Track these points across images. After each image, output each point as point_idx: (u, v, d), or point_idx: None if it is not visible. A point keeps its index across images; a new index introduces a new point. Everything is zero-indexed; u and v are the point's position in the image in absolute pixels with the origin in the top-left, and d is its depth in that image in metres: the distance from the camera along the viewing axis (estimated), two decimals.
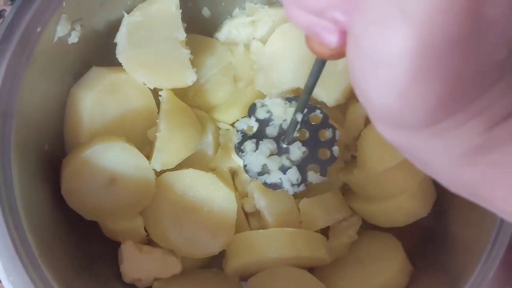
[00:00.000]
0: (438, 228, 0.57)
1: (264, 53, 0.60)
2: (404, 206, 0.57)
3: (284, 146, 0.57)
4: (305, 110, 0.54)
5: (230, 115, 0.60)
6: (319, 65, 0.42)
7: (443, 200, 0.58)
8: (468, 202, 0.29)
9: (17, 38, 0.45)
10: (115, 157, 0.51)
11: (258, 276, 0.54)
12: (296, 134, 0.56)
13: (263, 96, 0.61)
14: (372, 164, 0.56)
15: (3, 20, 0.69)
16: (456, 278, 0.48)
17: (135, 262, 0.52)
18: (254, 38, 0.63)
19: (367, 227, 0.61)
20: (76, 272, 0.49)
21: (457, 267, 0.49)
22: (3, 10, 0.70)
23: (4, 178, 0.43)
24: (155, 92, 0.57)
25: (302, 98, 0.48)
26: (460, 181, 0.28)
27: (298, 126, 0.55)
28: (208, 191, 0.54)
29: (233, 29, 0.63)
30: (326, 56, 0.34)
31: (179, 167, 0.55)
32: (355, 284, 0.56)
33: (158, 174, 0.54)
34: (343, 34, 0.27)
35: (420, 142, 0.27)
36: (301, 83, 0.59)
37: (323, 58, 0.39)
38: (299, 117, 0.52)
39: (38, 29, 0.46)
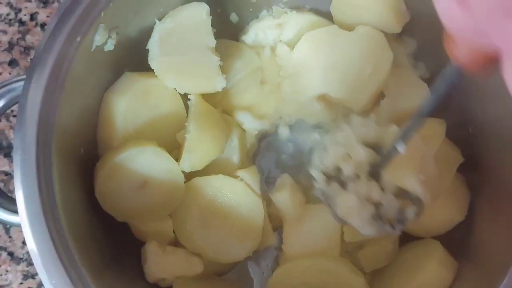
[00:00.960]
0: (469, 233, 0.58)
1: (291, 60, 0.62)
2: (438, 213, 0.56)
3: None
4: None
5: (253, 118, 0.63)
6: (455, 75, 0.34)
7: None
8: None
9: (58, 48, 0.47)
10: (147, 161, 0.53)
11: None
12: None
13: (289, 102, 0.63)
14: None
15: (35, 23, 0.72)
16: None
17: (159, 262, 0.54)
18: (280, 41, 0.64)
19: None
20: (104, 269, 0.51)
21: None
22: (35, 12, 0.73)
23: (46, 181, 0.46)
24: (185, 96, 0.59)
25: (414, 123, 0.41)
26: None
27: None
28: (237, 197, 0.56)
29: (260, 31, 0.64)
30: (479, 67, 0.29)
31: (206, 172, 0.57)
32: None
33: (188, 178, 0.56)
34: None
35: None
36: (328, 90, 0.60)
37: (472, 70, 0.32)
38: (402, 148, 0.45)
39: (78, 39, 0.48)
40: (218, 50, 0.59)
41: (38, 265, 0.42)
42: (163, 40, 0.57)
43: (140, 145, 0.53)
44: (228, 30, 0.66)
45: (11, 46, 0.71)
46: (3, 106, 0.49)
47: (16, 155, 0.45)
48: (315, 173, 0.54)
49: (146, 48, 0.57)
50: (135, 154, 0.53)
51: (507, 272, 0.46)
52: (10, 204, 0.47)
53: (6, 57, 0.71)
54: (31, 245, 0.42)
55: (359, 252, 0.59)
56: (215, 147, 0.56)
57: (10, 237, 0.65)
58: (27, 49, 0.71)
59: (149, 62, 0.57)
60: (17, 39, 0.72)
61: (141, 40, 0.58)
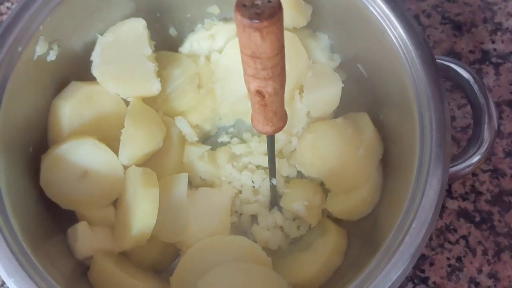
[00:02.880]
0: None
1: (220, 65, 0.69)
2: (364, 199, 0.63)
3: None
4: None
5: (193, 118, 0.70)
6: (270, 140, 0.54)
7: None
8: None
9: (1, 57, 0.54)
10: (87, 153, 0.59)
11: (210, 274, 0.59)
12: None
13: (222, 102, 0.70)
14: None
15: None
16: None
17: (88, 240, 0.59)
18: (213, 49, 0.71)
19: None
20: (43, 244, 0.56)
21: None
22: None
23: None
24: (127, 102, 0.66)
25: (270, 167, 0.60)
26: None
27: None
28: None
29: (195, 42, 0.72)
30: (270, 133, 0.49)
31: (147, 165, 0.63)
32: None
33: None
34: None
35: None
36: None
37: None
38: (274, 181, 0.64)
39: (19, 49, 0.55)
40: (159, 60, 0.66)
41: None
42: (104, 51, 0.64)
43: (81, 138, 0.60)
44: (168, 42, 0.73)
45: None
46: None
47: None
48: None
49: (90, 59, 0.65)
50: (76, 146, 0.59)
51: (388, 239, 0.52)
52: None
53: None
54: None
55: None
56: (150, 141, 0.62)
57: None
58: None
59: (92, 71, 0.64)
60: None
61: (86, 52, 0.65)
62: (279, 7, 0.38)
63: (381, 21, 0.56)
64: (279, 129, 0.50)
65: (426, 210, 0.51)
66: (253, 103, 0.48)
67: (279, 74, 0.44)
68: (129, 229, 0.57)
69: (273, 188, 0.66)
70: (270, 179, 0.64)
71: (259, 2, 0.38)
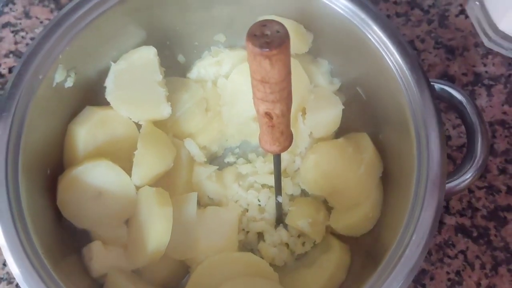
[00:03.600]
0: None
1: (226, 90, 0.73)
2: (369, 215, 0.66)
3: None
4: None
5: (201, 140, 0.73)
6: (277, 159, 0.57)
7: None
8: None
9: (24, 84, 0.58)
10: (101, 174, 0.62)
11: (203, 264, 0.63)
12: None
13: (229, 124, 0.74)
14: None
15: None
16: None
17: (102, 259, 0.61)
18: (220, 75, 0.75)
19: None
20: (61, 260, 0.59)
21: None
22: (13, 66, 0.84)
23: (15, 197, 0.54)
24: (139, 126, 0.69)
25: (276, 185, 0.64)
26: None
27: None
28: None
29: (202, 68, 0.76)
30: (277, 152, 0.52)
31: (158, 186, 0.66)
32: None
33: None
34: None
35: None
36: None
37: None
38: (280, 199, 0.67)
39: (40, 77, 0.59)
40: (168, 85, 0.70)
41: (8, 256, 0.51)
42: (117, 78, 0.68)
43: (95, 160, 0.63)
44: (176, 69, 0.77)
45: None
46: None
47: None
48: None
49: (104, 85, 0.69)
50: (91, 168, 0.62)
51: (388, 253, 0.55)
52: None
53: None
54: (2, 241, 0.51)
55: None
56: (161, 162, 0.65)
57: None
58: None
59: (106, 97, 0.67)
60: None
61: (100, 79, 0.69)
62: (287, 36, 0.42)
63: (379, 47, 0.60)
64: (285, 148, 0.54)
65: (425, 225, 0.54)
66: (261, 124, 0.51)
67: (286, 97, 0.47)
68: (144, 247, 0.60)
69: (278, 205, 0.69)
70: (276, 196, 0.67)
71: (268, 32, 0.42)
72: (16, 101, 0.57)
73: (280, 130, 0.51)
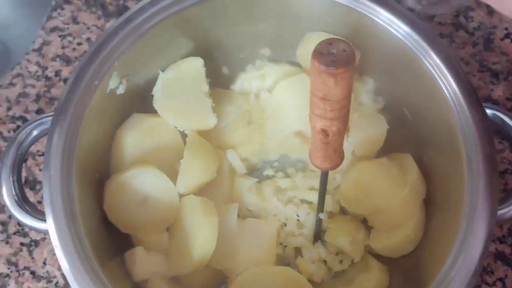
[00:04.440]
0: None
1: (271, 103, 0.73)
2: (411, 237, 0.66)
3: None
4: None
5: (243, 152, 0.74)
6: (324, 176, 0.57)
7: None
8: None
9: (80, 90, 0.59)
10: (147, 180, 0.63)
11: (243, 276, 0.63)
12: None
13: (272, 138, 0.74)
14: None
15: (59, 78, 0.85)
16: None
17: (145, 264, 0.62)
18: (263, 88, 0.76)
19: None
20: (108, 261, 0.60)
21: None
22: (59, 70, 0.86)
23: (68, 199, 0.56)
24: (184, 134, 0.70)
25: (319, 202, 0.64)
26: None
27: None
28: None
29: (245, 81, 0.76)
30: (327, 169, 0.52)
31: (200, 194, 0.66)
32: None
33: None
34: None
35: None
36: (302, 127, 0.72)
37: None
38: (322, 215, 0.67)
39: (96, 83, 0.60)
40: (213, 96, 0.71)
41: (61, 257, 0.52)
42: (165, 87, 0.69)
43: (142, 167, 0.64)
44: (220, 80, 0.78)
45: (38, 97, 0.84)
46: (36, 136, 0.60)
47: (45, 182, 0.56)
48: None
49: (152, 94, 0.70)
50: (137, 174, 0.63)
51: (435, 279, 0.54)
52: (38, 214, 0.57)
53: (34, 107, 0.83)
54: (55, 241, 0.52)
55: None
56: (206, 172, 0.66)
57: (32, 258, 0.74)
58: (51, 100, 0.84)
59: (154, 105, 0.69)
60: (44, 91, 0.85)
61: (148, 87, 0.70)
62: (353, 56, 0.42)
63: (431, 69, 0.60)
64: (336, 166, 0.54)
65: (475, 251, 0.53)
66: (315, 140, 0.51)
67: (344, 115, 0.48)
68: (189, 255, 0.60)
69: (318, 222, 0.69)
70: (318, 213, 0.67)
71: (334, 51, 0.42)
72: (72, 105, 0.58)
73: (334, 147, 0.51)
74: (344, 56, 0.42)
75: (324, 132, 0.49)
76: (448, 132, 0.60)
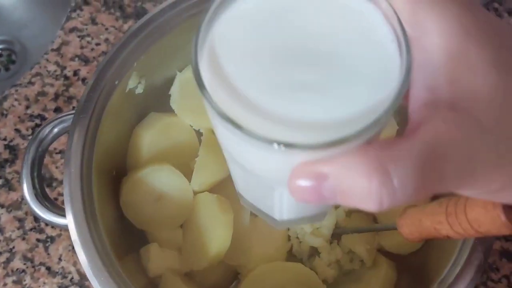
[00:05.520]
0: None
1: None
2: None
3: None
4: None
5: None
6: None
7: None
8: None
9: (101, 89, 0.61)
10: (163, 178, 0.65)
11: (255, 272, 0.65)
12: None
13: None
14: None
15: (77, 77, 0.88)
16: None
17: (159, 260, 0.64)
18: None
19: None
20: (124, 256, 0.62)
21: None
22: (78, 69, 0.89)
23: (88, 195, 0.58)
24: (200, 134, 0.72)
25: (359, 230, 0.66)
26: None
27: None
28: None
29: None
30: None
31: (212, 192, 0.68)
32: None
33: None
34: None
35: None
36: None
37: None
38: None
39: (116, 82, 0.62)
40: None
41: (80, 252, 0.54)
42: (182, 87, 0.71)
43: (159, 164, 0.66)
44: None
45: (56, 96, 0.86)
46: (56, 133, 0.62)
47: (65, 179, 0.58)
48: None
49: (169, 93, 0.72)
50: (153, 172, 0.65)
51: (440, 275, 0.56)
52: (57, 209, 0.60)
53: (53, 105, 0.86)
54: (74, 236, 0.54)
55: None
56: (220, 170, 0.67)
57: (48, 254, 0.76)
58: (69, 98, 0.86)
59: (171, 104, 0.71)
60: (62, 90, 0.87)
61: (165, 86, 0.72)
62: None
63: None
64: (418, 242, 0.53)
65: (479, 249, 0.54)
66: (424, 229, 0.48)
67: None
68: (205, 251, 0.62)
69: (344, 230, 0.71)
70: (353, 232, 0.69)
71: None
72: (93, 104, 0.60)
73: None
74: None
75: (446, 236, 0.46)
76: None
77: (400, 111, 0.25)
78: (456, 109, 0.26)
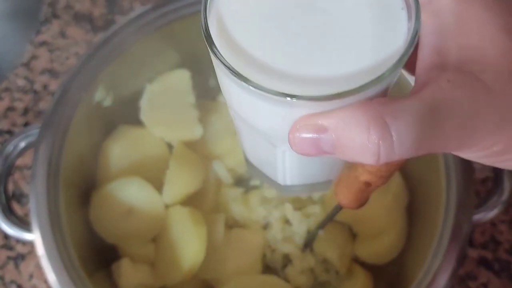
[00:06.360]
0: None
1: None
2: (394, 243, 0.68)
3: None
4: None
5: (229, 162, 0.75)
6: (339, 209, 0.55)
7: None
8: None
9: (67, 102, 0.60)
10: (133, 191, 0.64)
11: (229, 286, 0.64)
12: None
13: None
14: None
15: (47, 92, 0.86)
16: None
17: (131, 276, 0.63)
18: None
19: None
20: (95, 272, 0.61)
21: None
22: (47, 84, 0.87)
23: (55, 210, 0.57)
24: (171, 146, 0.71)
25: (322, 223, 0.63)
26: None
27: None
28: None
29: None
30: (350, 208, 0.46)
31: (187, 204, 0.67)
32: None
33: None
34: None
35: None
36: None
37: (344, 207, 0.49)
38: (321, 232, 0.67)
39: (82, 95, 0.61)
40: (199, 108, 0.72)
41: (47, 268, 0.52)
42: (152, 99, 0.70)
43: (128, 177, 0.65)
44: (207, 92, 0.79)
45: (26, 111, 0.85)
46: (23, 148, 0.61)
47: (32, 193, 0.57)
48: None
49: (139, 105, 0.71)
50: (123, 185, 0.64)
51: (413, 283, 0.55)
52: (25, 225, 0.58)
53: (22, 120, 0.84)
54: (41, 251, 0.53)
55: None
56: (192, 182, 0.67)
57: (19, 271, 0.74)
58: (39, 113, 0.85)
59: (140, 117, 0.70)
60: (31, 105, 0.85)
61: (134, 99, 0.71)
62: None
63: None
64: (361, 206, 0.52)
65: (453, 255, 0.55)
66: (351, 185, 0.46)
67: (393, 172, 0.44)
68: (178, 265, 0.61)
69: (313, 233, 0.69)
70: (318, 231, 0.67)
71: None
72: (59, 117, 0.59)
73: (368, 195, 0.50)
74: None
75: (367, 184, 0.44)
76: None
77: None
78: (463, 72, 0.26)
